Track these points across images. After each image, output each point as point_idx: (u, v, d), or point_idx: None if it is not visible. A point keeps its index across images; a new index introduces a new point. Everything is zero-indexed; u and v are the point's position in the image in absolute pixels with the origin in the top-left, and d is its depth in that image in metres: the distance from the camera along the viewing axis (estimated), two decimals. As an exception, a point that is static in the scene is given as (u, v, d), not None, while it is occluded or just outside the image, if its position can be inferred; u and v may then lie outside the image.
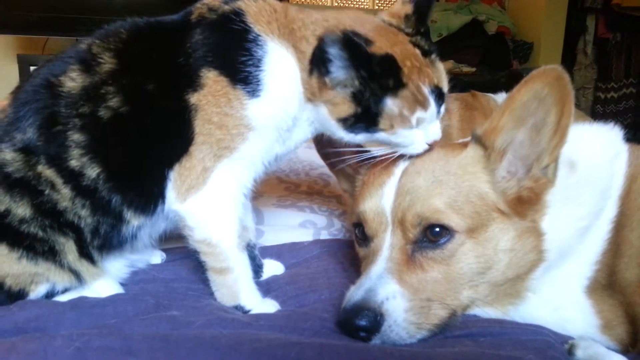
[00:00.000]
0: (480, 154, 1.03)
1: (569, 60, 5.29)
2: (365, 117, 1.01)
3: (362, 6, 5.76)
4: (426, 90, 1.01)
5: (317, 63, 1.02)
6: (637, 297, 0.98)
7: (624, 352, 0.98)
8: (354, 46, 0.95)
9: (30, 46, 3.88)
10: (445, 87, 1.06)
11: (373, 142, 1.09)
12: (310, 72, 1.04)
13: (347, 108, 1.01)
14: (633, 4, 4.78)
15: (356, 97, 1.00)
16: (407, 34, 1.06)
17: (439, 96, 1.04)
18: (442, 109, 1.06)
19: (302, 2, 5.50)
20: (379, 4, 5.78)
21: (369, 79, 0.98)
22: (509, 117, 0.99)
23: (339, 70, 0.98)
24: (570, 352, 0.96)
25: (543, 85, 0.94)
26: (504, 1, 5.68)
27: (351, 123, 1.03)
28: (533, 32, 5.29)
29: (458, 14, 5.15)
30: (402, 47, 1.02)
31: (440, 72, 1.07)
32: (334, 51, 0.95)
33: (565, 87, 0.94)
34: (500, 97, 2.74)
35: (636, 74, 5.21)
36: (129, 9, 1.20)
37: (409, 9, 1.09)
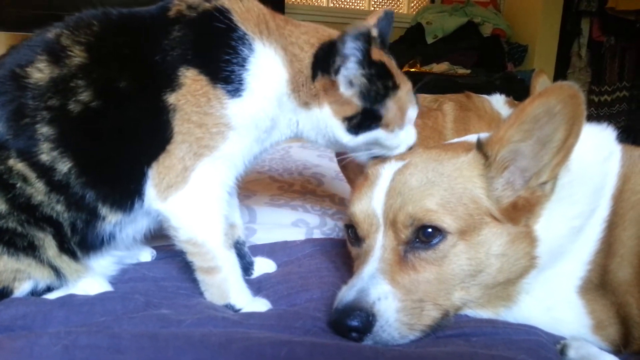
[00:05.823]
0: (479, 161, 1.02)
1: (563, 63, 5.33)
2: (370, 115, 1.08)
3: (358, 7, 5.77)
4: (411, 92, 1.13)
5: (324, 65, 1.07)
6: (628, 297, 0.98)
7: (615, 352, 0.98)
8: (367, 44, 1.03)
9: (23, 43, 3.86)
10: None
11: (368, 144, 1.13)
12: (314, 76, 1.08)
13: (354, 107, 1.07)
14: (627, 7, 4.81)
15: (363, 95, 1.07)
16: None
17: None
18: None
19: (299, 2, 5.50)
20: (375, 6, 5.79)
21: (376, 77, 1.06)
22: (517, 129, 0.97)
23: (354, 66, 1.04)
24: (563, 352, 0.96)
25: (557, 101, 0.93)
26: (499, 3, 5.71)
27: (357, 121, 1.08)
28: (528, 34, 5.32)
29: (453, 15, 5.17)
30: (384, 57, 1.12)
31: None
32: (355, 45, 1.02)
33: (579, 106, 0.93)
34: (495, 98, 2.75)
35: (630, 77, 5.24)
36: (123, 6, 1.17)
37: (375, 32, 1.17)
